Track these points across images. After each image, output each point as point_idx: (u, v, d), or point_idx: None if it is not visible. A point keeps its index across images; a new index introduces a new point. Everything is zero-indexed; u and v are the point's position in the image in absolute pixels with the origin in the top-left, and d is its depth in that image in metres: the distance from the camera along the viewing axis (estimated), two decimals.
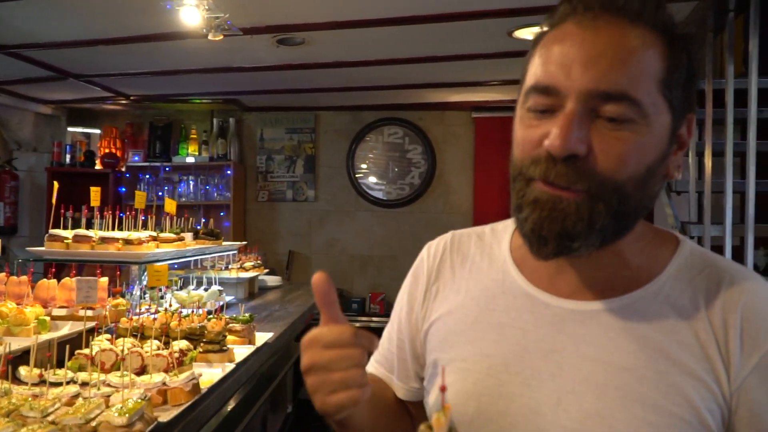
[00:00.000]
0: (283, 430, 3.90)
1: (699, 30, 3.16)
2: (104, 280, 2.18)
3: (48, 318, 1.99)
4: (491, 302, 0.98)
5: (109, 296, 2.26)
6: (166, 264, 2.49)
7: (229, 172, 5.70)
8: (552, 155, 0.81)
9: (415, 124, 5.79)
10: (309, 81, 4.77)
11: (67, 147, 5.74)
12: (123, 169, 5.82)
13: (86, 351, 1.78)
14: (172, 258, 2.67)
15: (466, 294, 1.01)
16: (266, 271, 4.39)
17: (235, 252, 3.93)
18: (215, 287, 3.26)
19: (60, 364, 1.69)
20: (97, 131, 5.99)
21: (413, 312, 1.08)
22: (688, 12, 2.99)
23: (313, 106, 5.86)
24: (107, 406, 1.43)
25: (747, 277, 0.89)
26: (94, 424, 1.33)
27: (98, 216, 2.67)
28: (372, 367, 1.14)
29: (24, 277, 2.09)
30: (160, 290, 2.86)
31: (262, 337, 2.51)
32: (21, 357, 1.74)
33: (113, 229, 2.66)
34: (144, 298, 2.76)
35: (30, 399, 1.39)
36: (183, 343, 1.95)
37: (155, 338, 1.94)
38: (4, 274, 2.13)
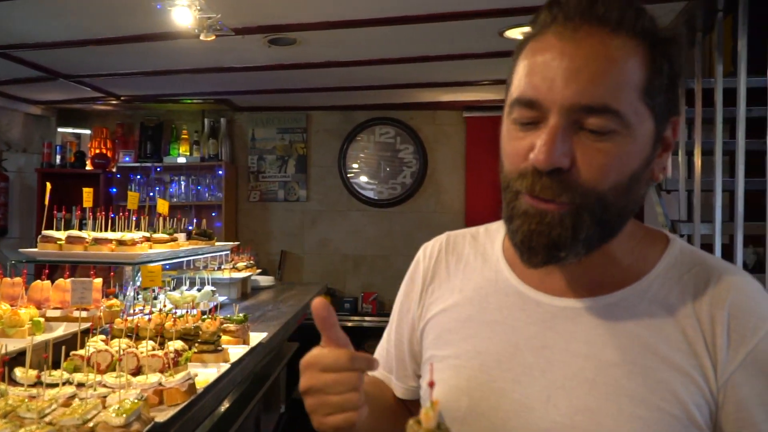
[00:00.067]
0: (276, 430, 3.91)
1: (682, 31, 3.18)
2: (98, 281, 2.18)
3: (42, 319, 1.99)
4: (484, 301, 1.00)
5: (103, 297, 2.26)
6: (159, 265, 2.50)
7: (220, 172, 5.70)
8: (537, 169, 0.82)
9: (407, 123, 5.81)
10: (300, 81, 4.77)
11: (58, 148, 5.71)
12: (114, 170, 5.80)
13: (81, 352, 1.78)
14: (166, 259, 2.67)
15: (460, 293, 1.04)
16: (259, 271, 4.39)
17: (228, 252, 3.93)
18: (208, 288, 3.26)
19: (55, 366, 1.69)
20: (88, 132, 5.96)
21: (410, 312, 1.10)
22: (677, 12, 3.01)
23: (304, 106, 5.86)
24: (104, 407, 1.44)
25: (735, 274, 0.90)
26: (91, 424, 1.34)
27: (91, 217, 2.66)
28: None
29: (18, 279, 2.09)
30: (153, 291, 2.85)
31: (256, 337, 2.52)
32: (16, 358, 1.74)
33: (105, 230, 2.66)
34: (137, 299, 2.76)
35: (27, 400, 1.39)
36: (178, 344, 1.96)
37: (150, 339, 1.95)
38: None
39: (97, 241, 2.42)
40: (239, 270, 3.96)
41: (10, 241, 5.51)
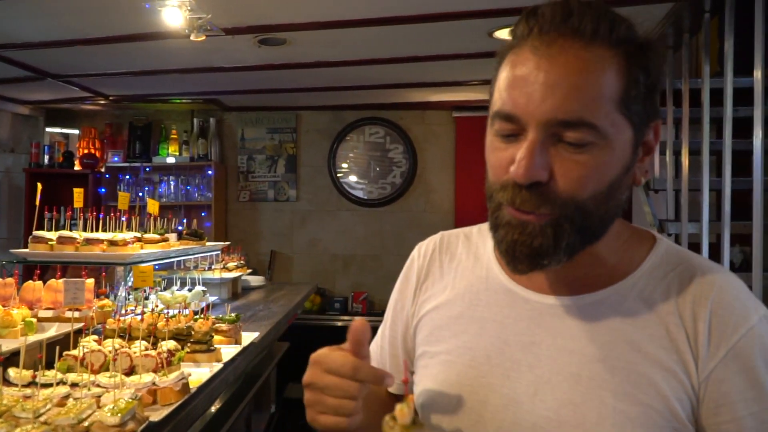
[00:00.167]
0: (267, 429, 3.91)
1: (662, 36, 3.22)
2: (90, 281, 2.18)
3: (35, 320, 1.99)
4: (475, 298, 1.03)
5: (94, 297, 2.25)
6: (151, 265, 2.50)
7: (210, 172, 5.69)
8: (517, 183, 0.85)
9: (396, 123, 5.82)
10: (290, 81, 4.77)
11: (46, 148, 5.68)
12: (102, 170, 5.78)
13: (75, 352, 1.78)
14: (158, 259, 2.67)
15: (452, 290, 1.06)
16: (249, 271, 4.39)
17: (219, 252, 3.93)
18: (199, 288, 3.26)
19: (48, 366, 1.69)
20: (76, 132, 5.93)
21: (405, 309, 1.13)
22: (664, 13, 3.04)
23: (294, 106, 5.86)
24: (99, 407, 1.44)
25: (718, 272, 0.93)
26: (86, 424, 1.34)
27: (81, 217, 2.66)
28: None
29: (10, 279, 2.09)
30: (144, 291, 2.85)
31: (248, 337, 2.52)
32: (8, 359, 1.74)
33: (96, 230, 2.65)
34: (129, 300, 2.76)
35: (21, 400, 1.40)
36: (171, 344, 1.96)
37: (142, 339, 1.95)
38: None
39: (88, 242, 2.42)
40: (230, 270, 3.96)
41: None
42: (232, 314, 2.46)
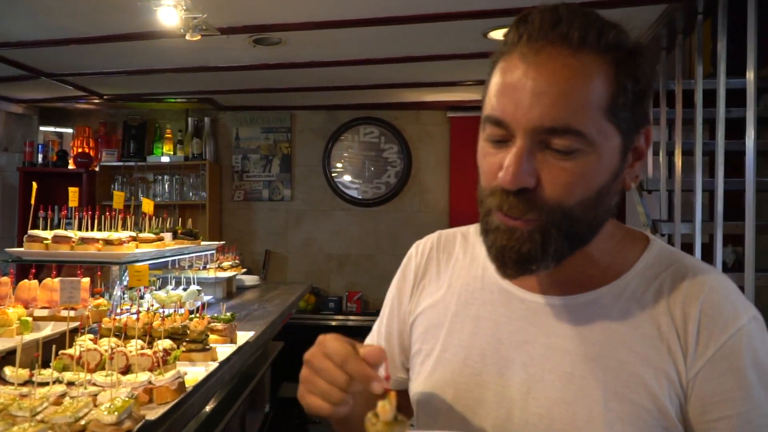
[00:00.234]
0: (262, 429, 3.92)
1: (654, 40, 3.24)
2: (86, 280, 2.18)
3: (30, 319, 1.99)
4: (470, 297, 1.04)
5: (90, 296, 2.26)
6: (146, 264, 2.50)
7: (204, 171, 5.68)
8: (504, 189, 0.86)
9: (391, 123, 5.83)
10: (285, 80, 4.78)
11: (40, 147, 5.67)
12: (97, 169, 5.76)
13: (71, 351, 1.78)
14: (153, 258, 2.67)
15: (448, 289, 1.08)
16: (244, 270, 4.39)
17: (213, 252, 3.93)
18: (194, 287, 3.26)
19: (44, 365, 1.69)
20: (70, 131, 5.92)
21: (402, 306, 1.14)
22: (658, 14, 3.06)
23: (288, 106, 5.86)
24: (95, 405, 1.45)
25: (710, 273, 0.94)
26: (83, 422, 1.35)
27: (76, 216, 2.66)
28: None
29: (6, 278, 2.09)
30: (140, 290, 2.85)
31: (243, 336, 2.52)
32: (4, 357, 1.74)
33: (91, 229, 2.65)
34: (124, 299, 2.76)
35: (18, 398, 1.40)
36: (166, 343, 1.96)
37: (138, 338, 1.95)
38: None
39: (83, 241, 2.42)
40: (224, 269, 3.96)
41: None
42: (228, 313, 2.46)
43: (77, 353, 1.75)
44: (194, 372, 1.96)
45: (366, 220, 5.89)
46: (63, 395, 1.51)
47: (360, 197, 5.87)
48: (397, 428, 0.69)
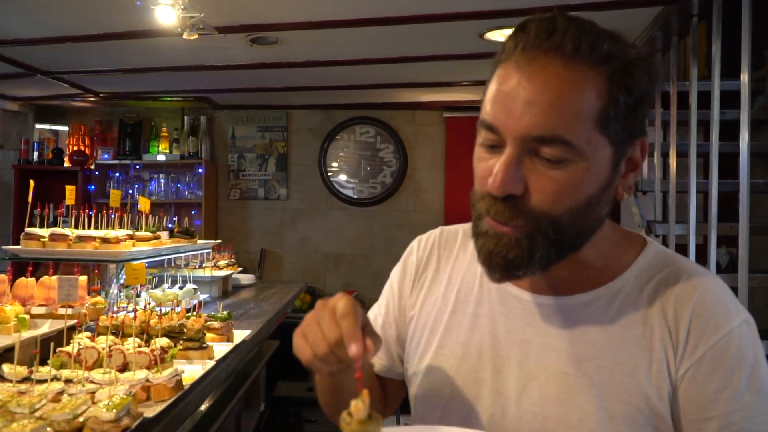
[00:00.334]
0: (257, 428, 3.92)
1: (650, 50, 3.25)
2: (83, 278, 2.18)
3: (27, 316, 1.99)
4: (470, 294, 1.06)
5: (88, 294, 2.26)
6: (143, 262, 2.50)
7: (200, 170, 5.69)
8: (492, 194, 0.87)
9: (387, 123, 5.84)
10: (281, 80, 4.78)
11: (35, 144, 5.67)
12: (92, 167, 5.76)
13: (68, 349, 1.79)
14: (150, 256, 2.67)
15: (448, 286, 1.10)
16: (239, 269, 4.40)
17: (210, 250, 3.93)
18: (190, 285, 3.26)
19: (42, 362, 1.70)
20: (66, 128, 5.92)
21: (402, 299, 1.15)
22: (653, 17, 3.08)
23: (285, 105, 5.87)
24: (93, 402, 1.45)
25: (703, 276, 0.95)
26: (81, 419, 1.35)
27: (73, 214, 2.66)
28: None
29: (3, 276, 2.09)
30: (136, 289, 2.86)
31: (239, 335, 2.53)
32: (1, 355, 1.75)
33: (87, 227, 2.66)
34: (120, 297, 2.76)
35: (16, 395, 1.40)
36: (164, 341, 1.97)
37: (135, 336, 1.96)
38: None
39: (80, 239, 2.42)
40: (220, 268, 3.96)
41: None
42: (224, 312, 2.47)
43: (75, 351, 1.75)
44: (191, 370, 1.97)
45: (362, 220, 5.90)
46: (61, 392, 1.51)
47: (356, 197, 5.88)
48: (372, 426, 0.70)
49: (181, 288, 3.19)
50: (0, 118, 5.53)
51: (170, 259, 3.50)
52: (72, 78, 4.74)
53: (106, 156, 5.77)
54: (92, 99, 5.48)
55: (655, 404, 0.89)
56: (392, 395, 1.21)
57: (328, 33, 3.53)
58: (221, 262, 4.03)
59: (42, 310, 2.07)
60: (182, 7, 2.90)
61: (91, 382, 1.63)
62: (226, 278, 4.04)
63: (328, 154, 5.90)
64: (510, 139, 0.85)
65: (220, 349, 2.24)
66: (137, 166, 5.79)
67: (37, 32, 3.59)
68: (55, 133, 5.86)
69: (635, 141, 0.90)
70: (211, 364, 2.07)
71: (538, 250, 0.88)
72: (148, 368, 1.76)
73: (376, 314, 1.20)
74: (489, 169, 0.88)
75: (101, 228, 2.72)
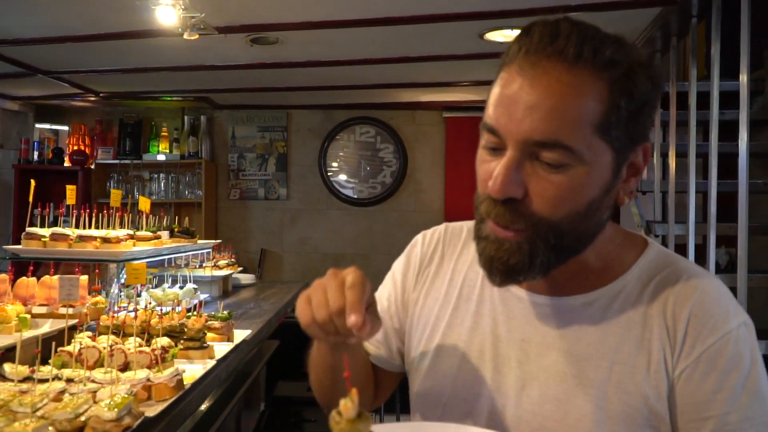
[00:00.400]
0: (257, 428, 3.92)
1: (649, 40, 3.26)
2: (84, 278, 2.19)
3: (28, 316, 2.00)
4: (471, 292, 1.06)
5: (89, 294, 2.26)
6: (144, 262, 2.51)
7: (200, 170, 5.68)
8: (492, 197, 0.88)
9: (387, 123, 5.84)
10: (282, 80, 4.79)
11: (35, 144, 5.67)
12: (92, 167, 5.76)
13: (69, 348, 1.79)
14: (150, 256, 2.68)
15: (450, 283, 1.10)
16: (239, 269, 4.40)
17: (210, 250, 3.94)
18: (190, 285, 3.27)
19: (43, 362, 1.70)
20: (66, 128, 5.92)
21: (406, 292, 1.15)
22: (652, 17, 3.08)
23: (285, 105, 5.87)
24: (94, 402, 1.46)
25: (703, 277, 0.96)
26: (83, 418, 1.35)
27: (73, 214, 2.66)
28: None
29: (4, 275, 2.09)
30: (136, 288, 2.86)
31: (239, 335, 2.53)
32: (3, 354, 1.75)
33: (87, 227, 2.66)
34: (120, 297, 2.76)
35: (18, 395, 1.41)
36: (164, 340, 1.97)
37: (136, 335, 1.96)
38: None
39: (81, 239, 2.43)
40: (221, 268, 3.97)
41: None
42: (225, 312, 2.47)
43: (76, 350, 1.76)
44: (192, 369, 1.97)
45: (361, 220, 5.91)
46: (62, 392, 1.52)
47: (356, 197, 5.89)
48: (361, 425, 0.70)
49: (181, 288, 3.19)
50: (0, 117, 5.54)
51: (170, 258, 3.51)
52: (72, 78, 4.75)
53: (106, 156, 5.77)
54: (92, 99, 5.48)
55: (654, 404, 0.90)
56: (384, 385, 1.20)
57: (328, 33, 3.54)
58: (221, 262, 4.04)
59: (43, 310, 2.08)
60: (183, 7, 2.90)
61: (93, 381, 1.63)
62: (226, 278, 4.05)
63: (328, 154, 5.90)
64: (511, 142, 0.85)
65: (221, 349, 2.25)
66: (137, 166, 5.79)
67: (37, 32, 3.59)
68: (56, 132, 5.86)
69: (637, 146, 0.90)
70: (211, 363, 2.08)
71: (539, 254, 0.88)
72: (149, 368, 1.77)
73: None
74: (490, 171, 0.88)
75: (102, 228, 2.72)
